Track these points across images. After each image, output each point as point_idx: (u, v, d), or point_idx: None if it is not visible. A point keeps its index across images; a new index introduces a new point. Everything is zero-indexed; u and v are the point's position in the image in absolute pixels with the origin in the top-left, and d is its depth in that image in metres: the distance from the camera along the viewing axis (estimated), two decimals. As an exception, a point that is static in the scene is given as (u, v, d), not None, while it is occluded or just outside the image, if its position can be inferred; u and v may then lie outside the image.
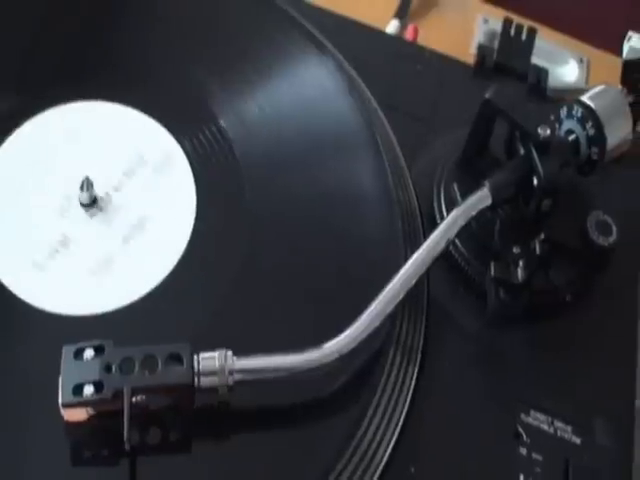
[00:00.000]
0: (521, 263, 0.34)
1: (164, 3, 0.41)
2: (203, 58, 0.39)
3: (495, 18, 0.56)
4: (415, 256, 0.33)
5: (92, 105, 0.39)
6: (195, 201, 0.36)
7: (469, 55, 0.53)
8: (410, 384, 0.33)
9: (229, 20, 0.40)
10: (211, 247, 0.35)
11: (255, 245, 0.35)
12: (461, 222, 0.34)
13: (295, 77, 0.39)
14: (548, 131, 0.34)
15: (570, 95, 0.49)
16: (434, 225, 0.38)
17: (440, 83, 0.43)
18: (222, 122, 0.38)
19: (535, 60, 0.46)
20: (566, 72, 0.54)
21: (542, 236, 0.33)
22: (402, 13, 0.50)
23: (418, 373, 0.34)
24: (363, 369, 0.32)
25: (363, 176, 0.36)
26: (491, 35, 0.55)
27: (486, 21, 0.56)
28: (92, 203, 0.37)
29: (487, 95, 0.35)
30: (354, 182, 0.36)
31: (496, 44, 0.52)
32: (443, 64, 0.43)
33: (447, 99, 0.43)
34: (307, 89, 0.39)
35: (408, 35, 0.48)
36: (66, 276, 0.35)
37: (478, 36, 0.54)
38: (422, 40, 0.52)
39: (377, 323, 0.32)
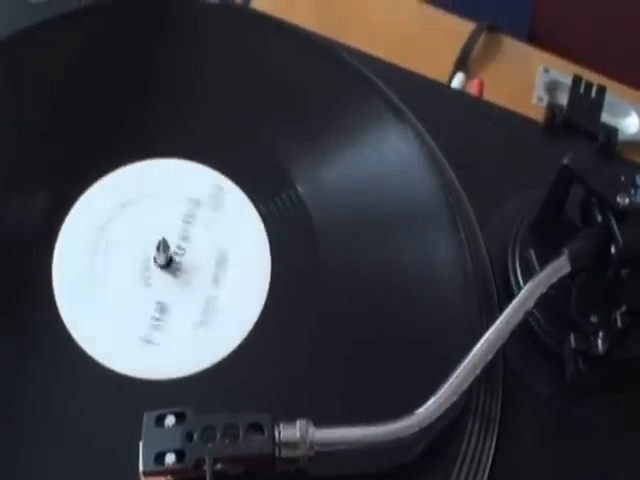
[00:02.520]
0: (601, 334, 0.33)
1: (245, 65, 0.41)
2: (281, 122, 0.39)
3: (556, 68, 0.56)
4: (492, 329, 0.33)
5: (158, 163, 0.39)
6: (270, 266, 0.37)
7: (531, 106, 0.53)
8: (489, 453, 0.33)
9: (306, 82, 0.41)
10: (287, 312, 0.35)
11: (331, 313, 0.35)
12: (539, 292, 0.33)
13: (373, 145, 0.39)
14: (627, 200, 0.34)
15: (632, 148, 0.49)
16: (508, 288, 0.38)
17: (509, 140, 0.43)
18: (299, 187, 0.38)
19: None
20: (628, 124, 0.53)
21: (623, 308, 0.33)
22: (462, 64, 0.50)
23: (496, 441, 0.34)
24: (442, 439, 0.32)
25: (438, 247, 0.37)
26: (552, 85, 0.55)
27: (547, 71, 0.56)
28: (169, 263, 0.37)
29: (565, 161, 0.35)
30: (429, 252, 0.36)
31: (557, 95, 0.52)
32: (512, 121, 0.43)
33: (517, 157, 0.42)
34: (385, 157, 0.39)
35: (473, 89, 0.48)
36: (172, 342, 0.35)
37: (539, 86, 0.55)
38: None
39: (455, 397, 0.32)
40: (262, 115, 0.39)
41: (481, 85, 0.48)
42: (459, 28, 0.57)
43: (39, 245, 0.36)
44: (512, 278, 0.38)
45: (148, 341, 0.35)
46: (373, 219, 0.37)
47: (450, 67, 0.54)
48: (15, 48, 0.41)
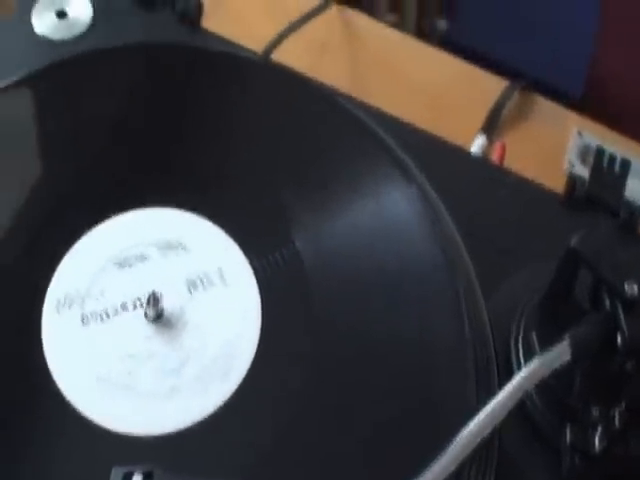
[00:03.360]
0: (599, 430, 0.32)
1: (249, 116, 0.41)
2: (285, 176, 0.39)
3: (591, 131, 0.54)
4: (488, 407, 0.32)
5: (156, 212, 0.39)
6: (260, 322, 0.35)
7: (561, 171, 0.52)
8: None
9: (311, 135, 0.40)
10: (275, 373, 0.34)
11: (319, 379, 0.34)
12: (538, 376, 0.32)
13: (377, 205, 0.38)
14: (636, 288, 0.32)
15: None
16: (508, 366, 0.37)
17: (525, 211, 0.41)
18: (297, 243, 0.37)
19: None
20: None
21: (622, 405, 0.31)
22: (490, 127, 0.49)
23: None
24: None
25: (437, 316, 0.35)
26: (585, 149, 0.53)
27: (580, 134, 0.54)
28: (158, 317, 0.36)
29: (572, 243, 0.33)
30: (427, 321, 0.35)
31: (591, 160, 0.50)
32: (529, 191, 0.42)
33: (532, 229, 0.41)
34: (388, 219, 0.37)
35: (495, 153, 0.47)
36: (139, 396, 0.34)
37: (571, 150, 0.53)
38: (510, 153, 0.51)
39: (443, 477, 0.30)
40: (266, 168, 0.39)
41: (503, 149, 0.46)
42: (496, 86, 0.56)
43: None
44: (513, 357, 0.36)
45: (129, 391, 0.34)
46: (371, 282, 0.36)
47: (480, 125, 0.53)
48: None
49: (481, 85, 0.57)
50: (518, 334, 0.37)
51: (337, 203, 0.38)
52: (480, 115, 0.54)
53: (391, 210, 0.38)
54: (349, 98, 0.44)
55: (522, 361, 0.36)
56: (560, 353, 0.32)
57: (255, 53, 0.47)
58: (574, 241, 0.33)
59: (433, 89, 0.56)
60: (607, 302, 0.33)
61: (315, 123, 0.40)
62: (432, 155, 0.42)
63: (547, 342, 0.33)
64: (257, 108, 0.41)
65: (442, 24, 0.92)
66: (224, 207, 0.38)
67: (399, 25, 1.12)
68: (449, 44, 0.64)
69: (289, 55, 0.56)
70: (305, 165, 0.39)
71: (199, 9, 0.45)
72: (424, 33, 0.97)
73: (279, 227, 0.37)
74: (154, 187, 0.39)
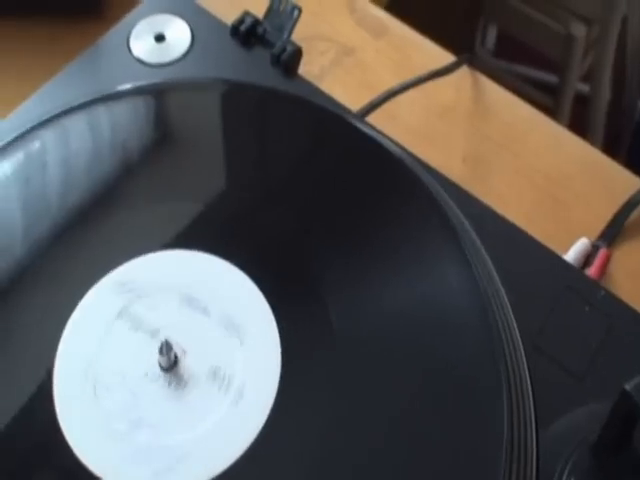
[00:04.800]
0: None
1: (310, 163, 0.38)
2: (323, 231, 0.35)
3: None
4: None
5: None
6: (278, 380, 0.32)
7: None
8: None
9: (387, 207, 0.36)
10: (293, 426, 0.31)
11: (336, 440, 0.30)
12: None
13: (427, 294, 0.34)
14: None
15: None
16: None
17: (607, 333, 0.35)
18: (330, 306, 0.33)
19: None
20: None
21: None
22: (607, 237, 0.43)
23: None
24: None
25: (474, 443, 0.30)
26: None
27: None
28: (171, 367, 0.34)
29: (627, 386, 0.28)
30: (463, 446, 0.30)
31: None
32: (617, 311, 0.36)
33: (613, 356, 0.35)
34: (436, 309, 0.33)
35: (598, 260, 0.41)
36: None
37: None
38: (621, 265, 0.45)
39: None
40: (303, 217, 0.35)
41: (606, 258, 0.41)
42: (627, 184, 0.50)
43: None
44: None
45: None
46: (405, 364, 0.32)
47: (601, 224, 0.47)
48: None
49: (614, 180, 0.51)
50: (562, 476, 0.31)
51: (383, 271, 0.34)
52: (602, 213, 0.48)
53: (445, 302, 0.34)
54: (442, 177, 0.40)
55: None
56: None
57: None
58: (629, 384, 0.28)
59: (556, 174, 0.51)
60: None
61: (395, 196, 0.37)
62: (519, 249, 0.38)
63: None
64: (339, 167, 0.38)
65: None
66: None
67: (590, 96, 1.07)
68: None
69: (405, 110, 0.52)
70: (352, 222, 0.35)
71: (297, 57, 0.42)
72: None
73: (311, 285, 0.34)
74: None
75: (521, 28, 1.12)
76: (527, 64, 1.26)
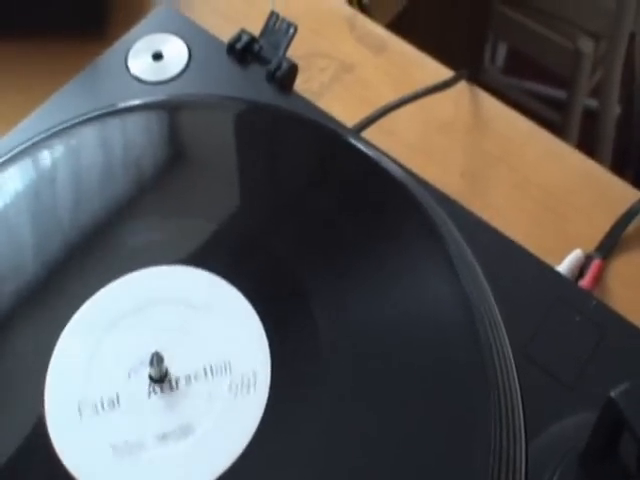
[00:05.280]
0: None
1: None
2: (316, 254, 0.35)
3: None
4: None
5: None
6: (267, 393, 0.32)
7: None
8: None
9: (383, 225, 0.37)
10: (283, 434, 0.31)
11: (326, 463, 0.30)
12: None
13: (416, 305, 0.34)
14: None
15: None
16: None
17: (598, 343, 0.36)
18: (319, 322, 0.34)
19: None
20: None
21: None
22: (604, 248, 0.43)
23: None
24: None
25: (463, 449, 0.30)
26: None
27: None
28: (160, 380, 0.34)
29: (612, 393, 0.28)
30: (452, 451, 0.30)
31: None
32: (608, 321, 0.36)
33: (602, 364, 0.35)
34: (425, 320, 0.33)
35: (591, 271, 0.41)
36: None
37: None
38: (617, 276, 0.45)
39: None
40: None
41: (598, 269, 0.41)
42: (625, 195, 0.50)
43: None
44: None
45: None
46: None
47: (600, 237, 0.47)
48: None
49: (613, 192, 0.51)
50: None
51: (375, 287, 0.34)
52: (599, 225, 0.48)
53: (435, 312, 0.34)
54: (438, 192, 0.40)
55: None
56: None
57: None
58: (615, 391, 0.28)
59: (554, 188, 0.51)
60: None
61: (387, 211, 0.37)
62: (510, 260, 0.38)
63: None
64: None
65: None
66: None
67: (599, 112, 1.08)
68: None
69: (403, 125, 0.53)
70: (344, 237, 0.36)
71: (293, 73, 0.43)
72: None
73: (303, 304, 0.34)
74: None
75: (529, 44, 1.13)
76: (537, 80, 1.26)
